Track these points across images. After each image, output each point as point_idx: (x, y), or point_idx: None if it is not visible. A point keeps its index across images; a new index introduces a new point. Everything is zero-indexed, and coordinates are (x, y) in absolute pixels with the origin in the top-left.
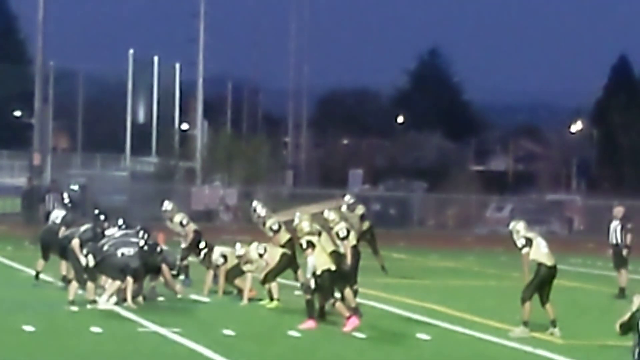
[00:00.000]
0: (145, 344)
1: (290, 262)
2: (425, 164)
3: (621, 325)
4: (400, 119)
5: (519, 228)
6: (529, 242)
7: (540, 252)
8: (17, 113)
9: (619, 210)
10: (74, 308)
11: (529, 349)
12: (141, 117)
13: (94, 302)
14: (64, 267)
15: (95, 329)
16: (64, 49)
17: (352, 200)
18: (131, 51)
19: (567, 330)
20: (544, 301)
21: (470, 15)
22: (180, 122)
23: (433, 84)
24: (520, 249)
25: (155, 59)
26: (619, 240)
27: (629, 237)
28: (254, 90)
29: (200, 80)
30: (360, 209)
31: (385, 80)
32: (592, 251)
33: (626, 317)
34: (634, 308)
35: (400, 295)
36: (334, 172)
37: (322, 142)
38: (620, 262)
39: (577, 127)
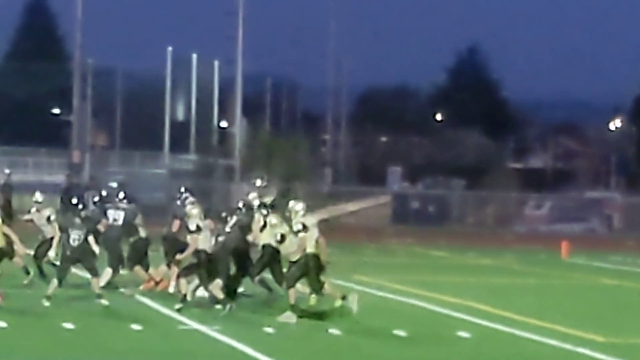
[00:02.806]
0: (185, 342)
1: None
2: (464, 161)
3: None
4: (439, 117)
5: (298, 209)
6: (304, 227)
7: (313, 242)
8: (56, 110)
9: None
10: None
11: (569, 346)
12: (180, 114)
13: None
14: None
15: (135, 327)
16: (103, 46)
17: (264, 184)
18: (170, 49)
19: (607, 328)
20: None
21: (509, 13)
22: (219, 120)
23: (472, 81)
24: (296, 232)
25: (194, 56)
26: None
27: None
28: (293, 88)
29: (239, 78)
30: (269, 198)
31: (424, 78)
32: (632, 249)
33: None
34: None
35: (439, 293)
36: (372, 169)
37: (360, 139)
38: None
39: (616, 124)
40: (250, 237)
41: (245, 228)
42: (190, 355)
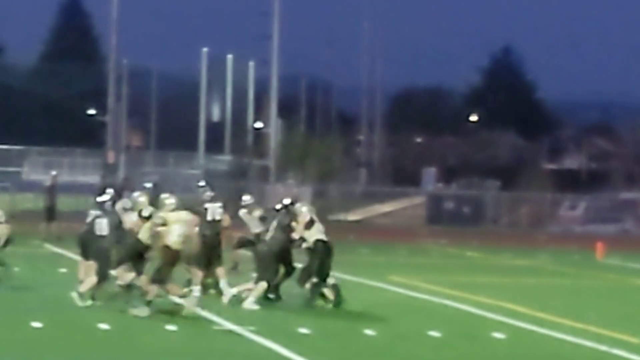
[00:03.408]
0: (220, 342)
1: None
2: (499, 162)
3: None
4: (473, 117)
5: (168, 202)
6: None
7: (174, 237)
8: (91, 111)
9: None
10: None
11: (604, 348)
12: (215, 115)
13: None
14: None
15: (170, 327)
16: (138, 47)
17: (251, 201)
18: (205, 49)
19: None
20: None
21: (544, 13)
22: (254, 120)
23: (506, 82)
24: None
25: (229, 57)
26: None
27: None
28: (328, 88)
29: (275, 78)
30: (258, 211)
31: (459, 79)
32: None
33: None
34: None
35: (474, 294)
36: (407, 170)
37: (395, 140)
38: None
39: None
40: (295, 235)
41: (286, 228)
42: (224, 356)
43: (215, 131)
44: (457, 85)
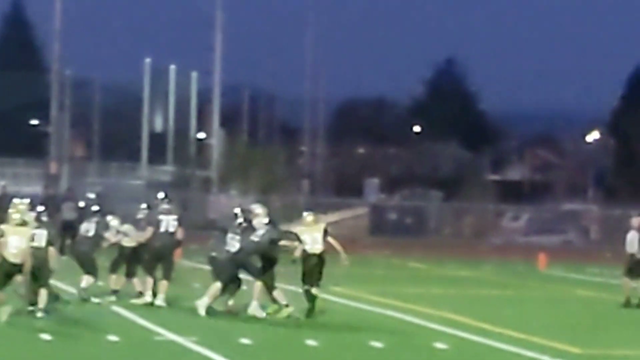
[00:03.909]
0: (161, 353)
1: None
2: (442, 173)
3: None
4: (416, 128)
5: (28, 219)
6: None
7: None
8: (34, 121)
9: (636, 220)
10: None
11: (546, 358)
12: (157, 125)
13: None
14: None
15: (112, 338)
16: (81, 57)
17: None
18: (147, 60)
19: (584, 339)
20: None
21: (487, 25)
22: (197, 131)
23: (449, 93)
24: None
25: (172, 67)
26: (637, 250)
27: None
28: (271, 99)
29: (217, 89)
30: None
31: (402, 90)
32: (609, 261)
33: None
34: None
35: (417, 305)
36: (350, 181)
37: (338, 151)
38: (637, 271)
39: (593, 136)
40: (286, 243)
41: (276, 241)
42: None
43: (158, 142)
44: (400, 96)
